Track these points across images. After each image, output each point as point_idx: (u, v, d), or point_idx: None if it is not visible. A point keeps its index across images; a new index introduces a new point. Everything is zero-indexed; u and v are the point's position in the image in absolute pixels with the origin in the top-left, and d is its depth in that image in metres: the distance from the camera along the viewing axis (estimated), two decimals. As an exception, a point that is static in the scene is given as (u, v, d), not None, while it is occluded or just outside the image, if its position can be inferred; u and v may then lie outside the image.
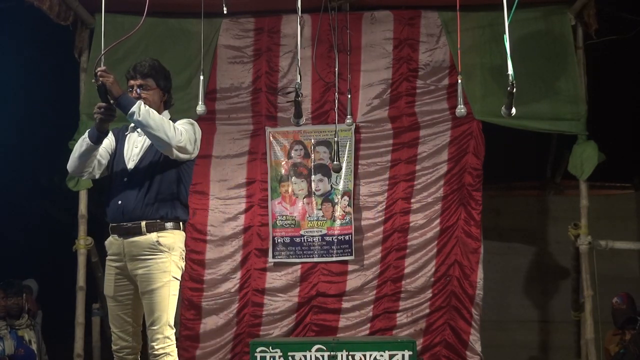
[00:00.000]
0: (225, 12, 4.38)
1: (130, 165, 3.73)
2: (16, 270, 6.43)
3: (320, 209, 6.27)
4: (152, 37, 6.08)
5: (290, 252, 6.24)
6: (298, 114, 3.49)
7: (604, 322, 6.30)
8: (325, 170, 6.30)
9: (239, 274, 6.25)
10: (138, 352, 3.78)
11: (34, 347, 5.84)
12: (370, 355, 5.34)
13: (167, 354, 3.57)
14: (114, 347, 3.76)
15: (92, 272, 6.22)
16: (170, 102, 3.88)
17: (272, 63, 6.36)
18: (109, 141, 3.80)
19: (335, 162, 4.80)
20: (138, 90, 3.72)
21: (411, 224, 6.22)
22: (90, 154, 3.68)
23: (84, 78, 6.19)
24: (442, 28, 6.23)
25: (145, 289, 3.60)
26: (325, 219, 6.26)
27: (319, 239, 6.24)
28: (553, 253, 7.82)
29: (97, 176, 3.84)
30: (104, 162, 3.79)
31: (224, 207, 6.31)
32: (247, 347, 5.71)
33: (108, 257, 3.75)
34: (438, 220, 6.21)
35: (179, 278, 3.70)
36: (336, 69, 5.11)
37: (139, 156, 3.73)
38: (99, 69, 3.41)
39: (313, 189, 6.31)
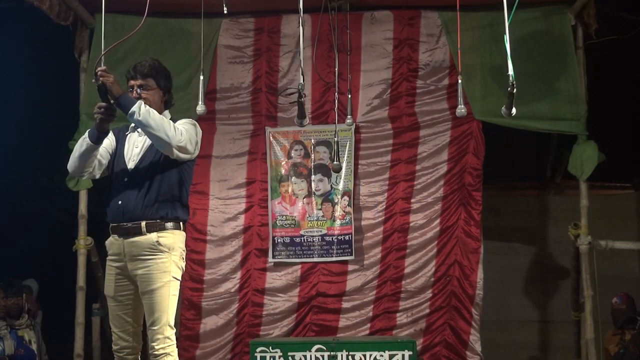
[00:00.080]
0: (225, 12, 4.38)
1: (131, 165, 3.72)
2: (16, 270, 6.43)
3: (320, 209, 6.27)
4: (152, 37, 6.08)
5: (290, 252, 6.24)
6: (301, 115, 3.49)
7: (604, 322, 6.30)
8: (325, 170, 6.30)
9: (239, 274, 6.25)
10: (138, 352, 3.78)
11: (34, 347, 5.84)
12: (370, 355, 5.34)
13: (167, 354, 3.56)
14: (114, 347, 3.76)
15: (92, 272, 6.23)
16: (170, 102, 3.88)
17: (272, 63, 6.36)
18: (109, 141, 3.79)
19: (335, 162, 4.80)
20: (138, 90, 3.72)
21: (411, 224, 6.22)
22: (90, 154, 3.68)
23: (84, 78, 6.19)
24: (442, 28, 6.23)
25: (145, 289, 3.60)
26: (325, 219, 6.26)
27: (319, 239, 6.24)
28: (553, 253, 7.82)
29: (97, 176, 3.83)
30: (104, 162, 3.79)
31: (224, 207, 6.31)
32: (247, 347, 5.71)
33: (108, 257, 3.75)
34: (438, 220, 6.21)
35: (179, 278, 3.70)
36: (336, 69, 5.10)
37: (140, 156, 3.73)
38: (99, 68, 3.41)
39: (313, 189, 6.31)
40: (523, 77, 5.35)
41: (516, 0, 3.27)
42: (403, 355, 5.32)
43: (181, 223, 3.75)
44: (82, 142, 3.66)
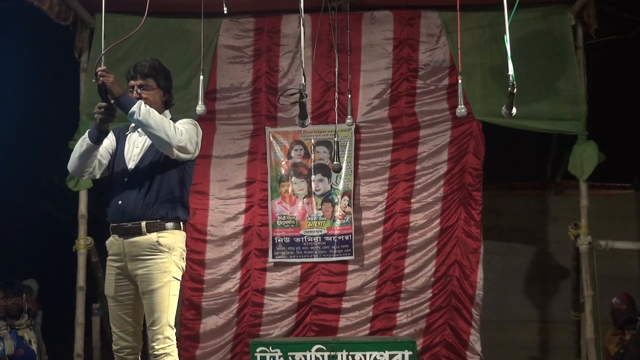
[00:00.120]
0: (225, 12, 4.38)
1: (131, 165, 3.72)
2: (16, 270, 6.43)
3: (320, 209, 6.27)
4: (152, 37, 6.08)
5: (290, 252, 6.24)
6: (303, 115, 3.48)
7: (604, 322, 6.30)
8: (325, 170, 6.30)
9: (239, 274, 6.25)
10: (138, 352, 3.78)
11: (34, 347, 5.84)
12: (370, 355, 5.34)
13: (167, 354, 3.56)
14: (114, 347, 3.76)
15: (92, 272, 6.23)
16: (171, 102, 3.88)
17: (272, 63, 6.36)
18: (109, 141, 3.80)
19: (335, 162, 4.79)
20: (138, 90, 3.72)
21: (411, 224, 6.22)
22: (90, 154, 3.68)
23: (84, 78, 6.19)
24: (442, 28, 6.23)
25: (146, 289, 3.59)
26: (325, 219, 6.26)
27: (319, 239, 6.24)
28: (553, 253, 7.82)
29: (97, 176, 3.83)
30: (105, 162, 3.79)
31: (224, 207, 6.31)
32: (247, 347, 5.71)
33: (109, 257, 3.75)
34: (438, 220, 6.21)
35: (179, 278, 3.69)
36: (336, 69, 5.10)
37: (140, 156, 3.73)
38: (99, 68, 3.41)
39: (313, 189, 6.31)
40: (523, 77, 5.34)
41: (516, 0, 3.27)
42: (403, 355, 5.32)
43: (181, 223, 3.74)
44: (82, 142, 3.66)
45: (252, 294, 6.23)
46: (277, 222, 6.26)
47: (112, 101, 3.48)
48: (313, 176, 6.31)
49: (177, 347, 3.66)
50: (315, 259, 6.23)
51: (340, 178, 6.26)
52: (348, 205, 6.24)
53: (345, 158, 6.18)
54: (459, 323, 6.11)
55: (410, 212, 6.23)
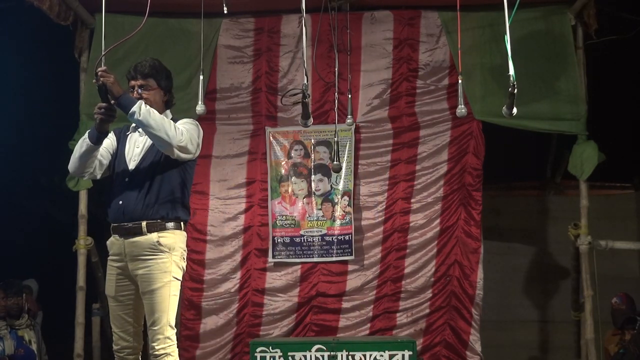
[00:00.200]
0: (225, 12, 4.38)
1: (132, 165, 3.73)
2: (16, 270, 6.43)
3: (320, 209, 6.27)
4: (152, 37, 6.08)
5: (290, 252, 6.24)
6: (306, 115, 3.48)
7: (604, 322, 6.30)
8: (325, 170, 6.30)
9: (239, 274, 6.25)
10: (139, 352, 3.77)
11: (34, 347, 5.84)
12: (370, 355, 5.34)
13: (167, 354, 3.56)
14: (114, 347, 3.76)
15: (92, 272, 6.23)
16: (171, 102, 3.88)
17: (272, 63, 6.36)
18: (110, 141, 3.80)
19: (335, 162, 4.80)
20: (139, 90, 3.72)
21: (411, 224, 6.22)
22: (90, 154, 3.68)
23: (84, 78, 6.19)
24: (442, 28, 6.23)
25: (146, 289, 3.59)
26: (325, 219, 6.26)
27: (318, 239, 6.24)
28: (553, 253, 7.82)
29: (98, 176, 3.83)
30: (105, 162, 3.79)
31: (224, 207, 6.31)
32: (247, 347, 5.71)
33: (109, 257, 3.75)
34: (438, 220, 6.21)
35: (180, 278, 3.69)
36: (336, 69, 5.11)
37: (141, 156, 3.73)
38: (99, 69, 3.41)
39: (313, 189, 6.31)
40: (523, 77, 5.32)
41: (517, 0, 3.27)
42: (403, 355, 5.32)
43: (182, 223, 3.74)
44: (82, 143, 3.67)
45: (252, 294, 6.23)
46: (277, 222, 6.26)
47: (113, 101, 3.48)
48: (313, 176, 6.31)
49: (177, 347, 3.66)
50: (315, 259, 6.23)
51: (340, 178, 6.26)
52: (348, 205, 6.24)
53: (345, 158, 6.18)
54: (459, 323, 6.11)
55: (410, 212, 6.23)
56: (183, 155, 3.66)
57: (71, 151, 3.78)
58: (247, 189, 6.34)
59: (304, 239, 6.24)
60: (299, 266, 6.25)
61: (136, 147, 3.77)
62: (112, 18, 5.50)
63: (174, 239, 3.67)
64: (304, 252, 6.24)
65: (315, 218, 6.27)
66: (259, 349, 5.38)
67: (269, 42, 6.37)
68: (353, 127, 6.05)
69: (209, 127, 6.17)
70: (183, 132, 3.63)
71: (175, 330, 3.66)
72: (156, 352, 3.57)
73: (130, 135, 3.82)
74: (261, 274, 6.26)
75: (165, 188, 3.68)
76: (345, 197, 6.25)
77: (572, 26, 6.07)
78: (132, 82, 3.75)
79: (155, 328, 3.57)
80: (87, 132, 3.67)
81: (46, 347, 6.24)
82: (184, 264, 3.74)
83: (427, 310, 6.15)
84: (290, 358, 5.37)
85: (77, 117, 6.08)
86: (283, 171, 6.33)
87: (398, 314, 6.17)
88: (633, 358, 5.64)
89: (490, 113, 5.97)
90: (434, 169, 6.25)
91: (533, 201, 8.08)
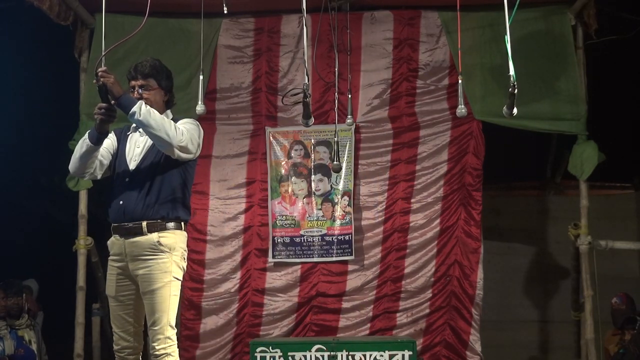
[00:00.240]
0: (225, 12, 4.38)
1: (132, 165, 3.72)
2: (16, 270, 6.43)
3: (320, 209, 6.27)
4: (152, 37, 6.08)
5: (290, 252, 6.24)
6: (307, 115, 3.48)
7: (604, 322, 6.30)
8: (325, 170, 6.30)
9: (238, 274, 6.25)
10: (139, 352, 3.77)
11: (34, 347, 5.84)
12: (370, 355, 5.34)
13: (168, 354, 3.56)
14: (115, 347, 3.75)
15: (92, 272, 6.23)
16: (172, 102, 3.88)
17: (272, 63, 6.36)
18: (110, 141, 3.80)
19: (335, 162, 4.80)
20: (139, 90, 3.72)
21: (411, 224, 6.22)
22: (90, 155, 3.68)
23: (84, 78, 6.19)
24: (442, 28, 6.23)
25: (146, 289, 3.59)
26: (325, 219, 6.26)
27: (318, 239, 6.24)
28: (553, 253, 7.82)
29: (99, 177, 3.83)
30: (106, 162, 3.79)
31: (224, 207, 6.31)
32: (247, 347, 5.71)
33: (110, 257, 3.75)
34: (438, 220, 6.21)
35: (180, 278, 3.69)
36: (336, 69, 5.11)
37: (141, 156, 3.73)
38: (99, 69, 3.41)
39: (313, 189, 6.31)
40: (523, 77, 5.28)
41: (517, 0, 3.27)
42: (403, 355, 5.32)
43: (182, 223, 3.74)
44: (82, 144, 3.66)
45: (252, 294, 6.23)
46: (277, 222, 6.26)
47: (113, 102, 3.48)
48: (313, 176, 6.31)
49: (177, 347, 3.66)
50: (315, 259, 6.23)
51: (340, 178, 6.26)
52: (348, 205, 6.24)
53: (345, 158, 6.18)
54: (459, 323, 6.11)
55: (410, 212, 6.23)
56: (183, 155, 3.66)
57: (71, 151, 3.78)
58: (247, 189, 6.34)
59: (304, 239, 6.24)
60: (299, 266, 6.25)
61: (137, 147, 3.77)
62: (112, 18, 5.49)
63: (175, 239, 3.67)
64: (304, 252, 6.24)
65: (315, 218, 6.27)
66: (259, 349, 5.38)
67: (269, 42, 6.37)
68: (353, 127, 6.05)
69: (209, 127, 6.17)
70: (183, 132, 3.63)
71: (176, 330, 3.66)
72: (156, 352, 3.57)
73: (130, 135, 3.82)
74: (261, 274, 6.26)
75: (165, 188, 3.68)
76: (345, 197, 6.25)
77: (572, 26, 6.07)
78: (133, 82, 3.75)
79: (156, 328, 3.57)
80: (87, 132, 3.66)
81: (46, 347, 6.24)
82: (184, 264, 3.74)
83: (427, 310, 6.16)
84: (290, 358, 5.37)
85: (77, 117, 6.08)
86: (283, 171, 6.33)
87: (398, 314, 6.18)
88: (633, 358, 5.64)
89: (490, 113, 5.97)
90: (434, 169, 6.25)
91: (533, 201, 8.08)
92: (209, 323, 6.21)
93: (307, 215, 6.28)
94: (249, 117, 6.38)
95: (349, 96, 5.32)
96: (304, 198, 6.30)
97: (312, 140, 6.33)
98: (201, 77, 4.28)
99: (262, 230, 6.29)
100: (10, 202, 7.57)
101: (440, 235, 6.19)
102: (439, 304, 6.14)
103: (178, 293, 3.67)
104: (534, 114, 5.93)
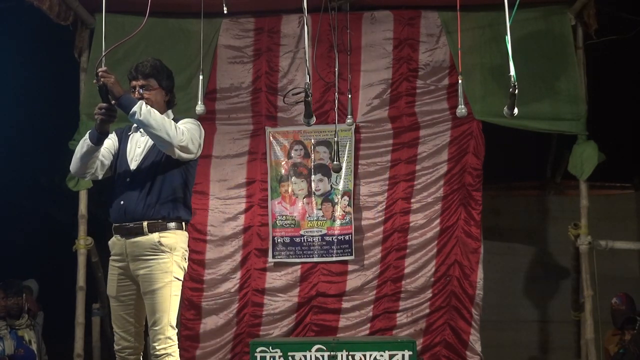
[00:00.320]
0: (225, 12, 4.38)
1: (133, 165, 3.73)
2: (16, 270, 6.43)
3: (320, 209, 6.27)
4: (152, 37, 6.08)
5: (290, 252, 6.24)
6: (308, 114, 3.48)
7: (604, 322, 6.30)
8: (325, 170, 6.30)
9: (238, 274, 6.25)
10: (140, 352, 3.78)
11: (34, 347, 5.84)
12: (370, 355, 5.34)
13: (168, 354, 3.56)
14: (116, 347, 3.75)
15: (92, 272, 6.23)
16: (173, 102, 3.88)
17: (272, 63, 6.36)
18: (111, 141, 3.80)
19: (335, 162, 4.79)
20: (140, 90, 3.72)
21: (411, 224, 6.22)
22: (91, 155, 3.68)
23: (84, 78, 6.19)
24: (442, 28, 6.23)
25: (147, 289, 3.60)
26: (325, 219, 6.26)
27: (318, 239, 6.24)
28: (553, 253, 7.82)
29: (100, 177, 3.83)
30: (107, 162, 3.79)
31: (224, 207, 6.31)
32: (247, 347, 5.71)
33: (111, 257, 3.76)
34: (438, 220, 6.21)
35: (181, 278, 3.69)
36: (336, 69, 5.11)
37: (142, 156, 3.73)
38: (100, 69, 3.41)
39: (313, 189, 6.31)
40: (523, 77, 5.26)
41: (517, 0, 3.27)
42: (403, 355, 5.32)
43: (183, 223, 3.74)
44: (83, 144, 3.67)
45: (252, 294, 6.23)
46: (277, 222, 6.26)
47: (113, 102, 3.48)
48: (313, 176, 6.31)
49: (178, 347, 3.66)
50: (315, 259, 6.23)
51: (340, 178, 6.26)
52: (348, 205, 6.24)
53: (345, 158, 6.18)
54: (459, 323, 6.11)
55: (410, 212, 6.23)
56: (184, 155, 3.66)
57: (71, 151, 3.79)
58: (247, 189, 6.34)
59: (304, 239, 6.24)
60: (299, 266, 6.25)
61: (138, 147, 3.77)
62: (112, 18, 5.48)
63: (175, 239, 3.67)
64: (304, 252, 6.24)
65: (315, 218, 6.27)
66: (259, 349, 5.38)
67: (269, 42, 6.37)
68: (353, 127, 6.05)
69: (209, 127, 6.16)
70: (184, 132, 3.63)
71: (177, 331, 3.66)
72: (157, 352, 3.57)
73: (131, 135, 3.82)
74: (261, 274, 6.26)
75: (166, 188, 3.68)
76: (345, 197, 6.25)
77: (572, 26, 6.07)
78: (134, 82, 3.75)
79: (156, 328, 3.57)
80: (88, 132, 3.67)
81: (46, 347, 6.24)
82: (185, 264, 3.74)
83: (427, 310, 6.16)
84: (290, 358, 5.37)
85: (77, 117, 6.08)
86: (283, 171, 6.33)
87: (398, 314, 6.18)
88: (633, 358, 5.64)
89: (491, 113, 5.97)
90: (434, 169, 6.25)
91: (533, 201, 8.08)
92: (209, 323, 6.21)
93: (307, 215, 6.28)
94: (249, 117, 6.38)
95: (349, 96, 5.32)
96: (304, 198, 6.30)
97: (312, 140, 6.33)
98: (201, 77, 4.28)
99: (262, 230, 6.29)
100: (10, 202, 7.57)
101: (440, 235, 6.19)
102: (439, 304, 6.14)
103: (179, 293, 3.67)
104: (534, 114, 5.93)
